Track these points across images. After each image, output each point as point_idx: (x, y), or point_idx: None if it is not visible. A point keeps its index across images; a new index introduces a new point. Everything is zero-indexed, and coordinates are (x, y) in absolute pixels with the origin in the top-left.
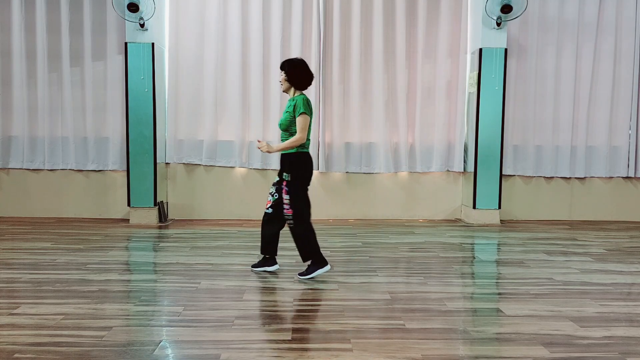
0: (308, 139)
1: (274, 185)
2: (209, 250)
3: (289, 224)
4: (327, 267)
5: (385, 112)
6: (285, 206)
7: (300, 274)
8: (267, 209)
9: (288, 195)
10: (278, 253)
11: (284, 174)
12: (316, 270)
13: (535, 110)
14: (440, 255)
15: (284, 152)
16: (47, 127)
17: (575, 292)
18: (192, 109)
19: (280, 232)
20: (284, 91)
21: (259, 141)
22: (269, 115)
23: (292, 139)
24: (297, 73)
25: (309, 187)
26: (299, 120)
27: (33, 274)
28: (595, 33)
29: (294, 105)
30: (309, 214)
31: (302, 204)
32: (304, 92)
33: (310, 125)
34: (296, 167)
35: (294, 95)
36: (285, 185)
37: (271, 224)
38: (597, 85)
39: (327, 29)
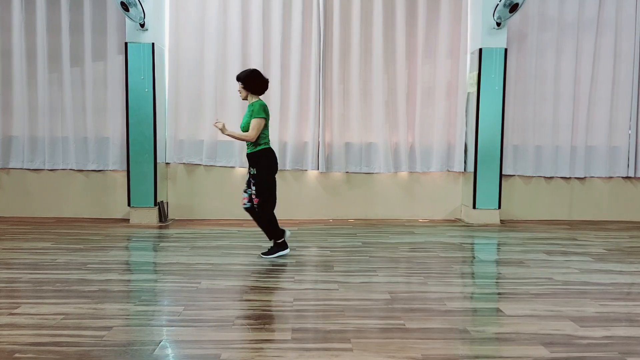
0: (267, 137)
1: (246, 183)
2: (209, 250)
3: (256, 210)
4: (287, 250)
5: (385, 112)
6: (253, 196)
7: (264, 254)
8: (245, 204)
9: (254, 187)
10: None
11: (251, 169)
12: (278, 251)
13: (535, 110)
14: (440, 255)
15: (251, 151)
16: (47, 127)
17: (575, 292)
18: (193, 109)
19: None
20: (243, 99)
21: (217, 120)
22: None
23: (244, 134)
24: (250, 81)
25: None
26: (253, 122)
27: (33, 273)
28: (595, 32)
29: (252, 110)
30: (274, 202)
31: (267, 193)
32: (260, 97)
33: (267, 126)
34: (262, 161)
35: (252, 101)
36: (252, 178)
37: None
38: (597, 85)
39: (327, 29)
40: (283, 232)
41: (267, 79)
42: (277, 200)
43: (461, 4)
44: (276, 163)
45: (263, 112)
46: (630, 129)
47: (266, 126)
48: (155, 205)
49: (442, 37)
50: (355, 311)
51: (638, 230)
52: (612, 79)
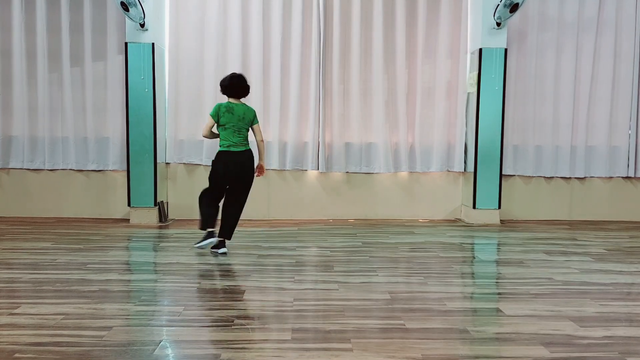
0: (225, 139)
1: None
2: (209, 250)
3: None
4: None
5: (385, 112)
6: None
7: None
8: None
9: None
10: (275, 253)
11: None
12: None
13: (535, 110)
14: (440, 255)
15: None
16: (47, 127)
17: (575, 292)
18: (193, 109)
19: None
20: None
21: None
22: (269, 115)
23: None
24: (220, 84)
25: (226, 181)
26: None
27: (33, 273)
28: (595, 32)
29: None
30: (210, 198)
31: (207, 188)
32: (242, 100)
33: (223, 127)
34: (213, 160)
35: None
36: None
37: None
38: (597, 85)
39: (327, 29)
40: (208, 229)
41: (228, 84)
42: (277, 200)
43: (461, 4)
44: (224, 167)
45: (213, 111)
46: (630, 129)
47: (223, 127)
48: (155, 205)
49: (442, 37)
50: (355, 311)
51: (638, 231)
52: (612, 79)
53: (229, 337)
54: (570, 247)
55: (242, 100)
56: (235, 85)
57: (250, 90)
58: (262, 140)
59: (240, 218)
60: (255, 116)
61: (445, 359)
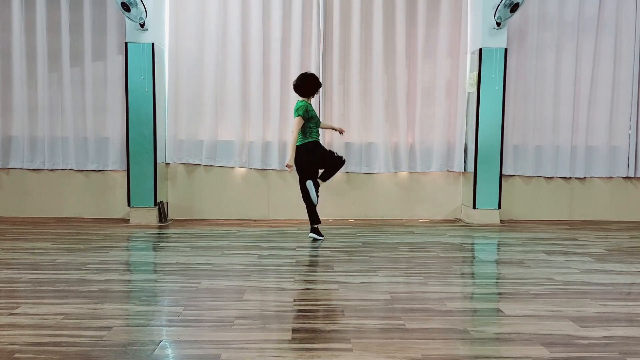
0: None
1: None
2: (209, 250)
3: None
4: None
5: (385, 112)
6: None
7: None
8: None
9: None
10: (275, 253)
11: None
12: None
13: (535, 110)
14: (440, 255)
15: None
16: (47, 127)
17: (575, 292)
18: (192, 109)
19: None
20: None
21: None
22: (269, 115)
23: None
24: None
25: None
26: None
27: (33, 273)
28: (595, 33)
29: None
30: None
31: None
32: (305, 99)
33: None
34: None
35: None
36: None
37: None
38: (597, 85)
39: (327, 29)
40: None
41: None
42: (277, 200)
43: (461, 4)
44: None
45: (300, 111)
46: (630, 129)
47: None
48: (155, 205)
49: (442, 37)
50: (355, 311)
51: (638, 231)
52: (612, 79)
53: (229, 337)
54: (571, 247)
55: (310, 98)
56: (294, 86)
57: (312, 89)
58: (292, 132)
59: (240, 218)
60: (295, 110)
61: (445, 359)
